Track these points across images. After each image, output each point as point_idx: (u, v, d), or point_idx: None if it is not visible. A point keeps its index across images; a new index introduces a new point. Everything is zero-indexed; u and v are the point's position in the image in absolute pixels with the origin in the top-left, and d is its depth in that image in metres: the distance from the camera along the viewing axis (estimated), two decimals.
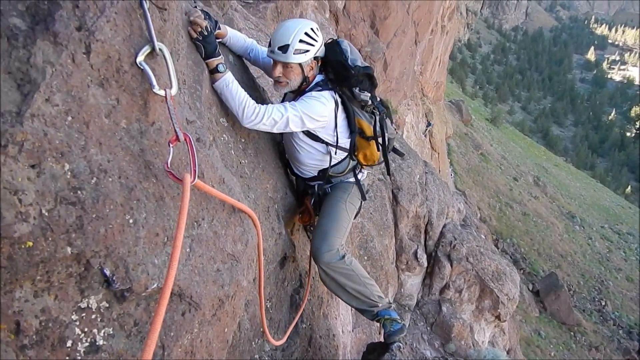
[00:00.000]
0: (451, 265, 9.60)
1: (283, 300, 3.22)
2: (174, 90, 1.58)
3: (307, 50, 2.87)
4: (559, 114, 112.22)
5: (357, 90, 3.14)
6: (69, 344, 1.33)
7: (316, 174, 3.38)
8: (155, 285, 1.47)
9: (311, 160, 3.29)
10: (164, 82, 1.61)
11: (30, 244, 1.20)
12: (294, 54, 2.83)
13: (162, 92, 1.55)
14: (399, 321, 3.35)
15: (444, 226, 10.08)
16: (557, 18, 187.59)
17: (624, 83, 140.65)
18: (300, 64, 2.90)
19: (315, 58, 2.97)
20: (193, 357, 1.68)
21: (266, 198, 3.09)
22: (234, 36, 3.09)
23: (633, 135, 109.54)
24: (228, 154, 2.83)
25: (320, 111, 2.97)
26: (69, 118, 1.29)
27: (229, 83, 2.61)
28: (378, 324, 3.40)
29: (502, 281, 9.83)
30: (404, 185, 8.90)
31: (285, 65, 2.89)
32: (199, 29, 2.36)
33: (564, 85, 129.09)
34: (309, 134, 3.12)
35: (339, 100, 3.10)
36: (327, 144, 3.19)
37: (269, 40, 2.95)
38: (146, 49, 1.54)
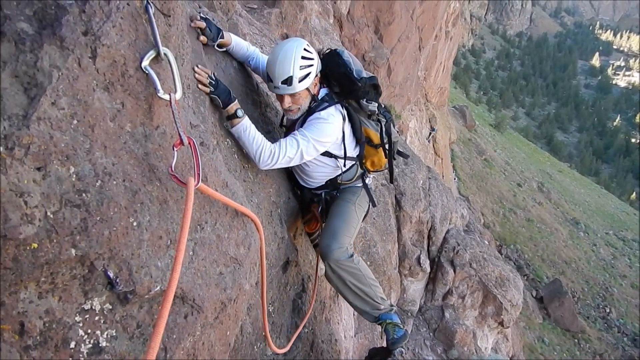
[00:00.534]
0: (454, 271, 9.58)
1: (285, 304, 3.23)
2: (178, 95, 1.60)
3: (309, 73, 2.85)
4: (563, 119, 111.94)
5: (364, 101, 3.15)
6: (72, 345, 1.34)
7: (324, 184, 3.39)
8: (158, 287, 1.48)
9: (319, 173, 3.31)
10: (168, 86, 1.63)
11: (35, 245, 1.21)
12: (299, 82, 2.81)
13: (166, 97, 1.56)
14: (402, 327, 3.35)
15: (447, 232, 10.06)
16: (561, 24, 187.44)
17: (629, 89, 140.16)
18: (307, 87, 2.89)
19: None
20: None
21: (269, 202, 3.10)
22: (237, 44, 3.08)
23: (638, 141, 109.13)
24: (232, 158, 2.84)
25: (330, 133, 2.98)
26: (75, 121, 1.30)
27: (247, 128, 2.63)
28: (380, 328, 3.39)
29: (505, 287, 9.79)
30: (407, 191, 8.89)
31: (293, 94, 2.87)
32: (207, 82, 2.37)
33: (569, 91, 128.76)
34: None
35: (345, 113, 3.10)
36: (335, 157, 3.20)
37: (264, 72, 2.94)
38: (151, 54, 1.56)
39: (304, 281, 3.48)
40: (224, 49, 3.00)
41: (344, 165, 3.28)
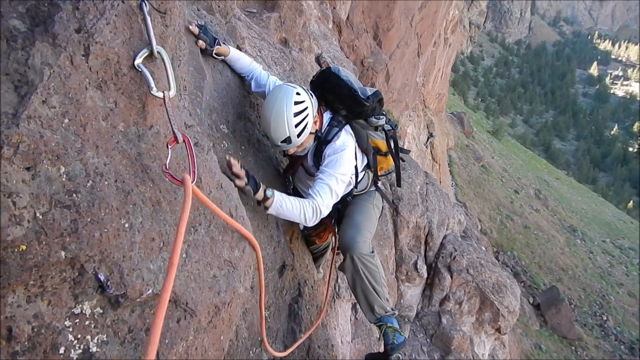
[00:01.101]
0: (451, 277, 9.55)
1: (281, 309, 3.19)
2: (172, 92, 1.57)
3: (307, 123, 2.78)
4: (561, 127, 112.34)
5: (372, 118, 3.15)
6: (61, 350, 1.30)
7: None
8: (150, 291, 1.45)
9: None
10: (163, 85, 1.60)
11: (24, 247, 1.18)
12: (297, 137, 2.76)
13: (160, 94, 1.53)
14: (401, 333, 3.32)
15: (445, 237, 10.04)
16: (560, 33, 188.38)
17: (626, 98, 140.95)
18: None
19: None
20: None
21: None
22: (235, 59, 3.05)
23: (635, 150, 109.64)
24: None
25: (350, 160, 2.97)
26: (66, 120, 1.27)
27: (282, 202, 2.63)
28: (378, 332, 3.36)
29: (502, 294, 9.76)
30: (404, 196, 8.87)
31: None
32: (243, 175, 2.38)
33: (567, 100, 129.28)
34: None
35: (352, 132, 3.07)
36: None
37: (263, 126, 2.88)
38: (144, 52, 1.54)
39: (300, 285, 3.44)
40: (222, 58, 2.99)
41: (356, 179, 3.27)
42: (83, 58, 1.32)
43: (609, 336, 27.56)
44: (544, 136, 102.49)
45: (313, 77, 3.20)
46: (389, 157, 3.39)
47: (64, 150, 1.25)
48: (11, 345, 1.21)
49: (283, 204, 2.63)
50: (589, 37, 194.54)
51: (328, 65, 7.98)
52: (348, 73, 3.13)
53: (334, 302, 5.07)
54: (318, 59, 8.01)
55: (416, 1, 17.61)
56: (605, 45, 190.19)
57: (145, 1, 1.54)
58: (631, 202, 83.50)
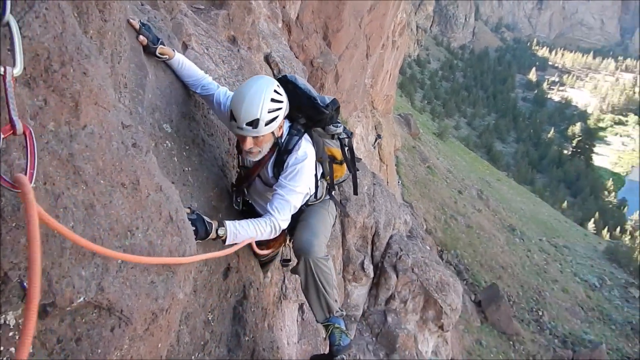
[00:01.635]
0: (397, 276, 9.73)
1: (226, 312, 3.14)
2: (16, 71, 1.24)
3: (277, 117, 2.74)
4: (502, 130, 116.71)
5: (331, 126, 3.16)
6: None
7: None
8: (82, 299, 1.38)
9: None
10: (8, 61, 1.25)
11: None
12: (265, 125, 2.69)
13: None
14: (348, 335, 3.34)
15: (391, 237, 10.22)
16: (502, 39, 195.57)
17: (562, 103, 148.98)
18: (272, 131, 2.80)
19: None
20: None
21: (210, 207, 3.01)
22: (180, 63, 3.00)
23: (570, 153, 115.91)
24: (170, 161, 2.74)
25: (310, 170, 2.97)
26: None
27: (236, 233, 2.66)
28: (325, 333, 3.36)
29: (445, 292, 10.05)
30: (351, 197, 8.95)
31: (257, 136, 2.76)
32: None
33: (507, 103, 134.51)
34: None
35: (311, 141, 3.06)
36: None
37: (228, 112, 2.77)
38: None
39: (245, 288, 3.40)
40: (165, 58, 2.91)
41: (316, 189, 3.27)
42: (9, 53, 1.23)
43: (544, 330, 28.88)
44: (486, 138, 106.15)
45: None
46: (344, 165, 3.42)
47: None
48: None
49: (239, 234, 2.66)
50: (528, 44, 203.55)
51: (277, 65, 7.94)
52: (304, 81, 3.13)
53: (280, 303, 5.05)
54: (267, 58, 7.96)
55: (365, 2, 17.81)
56: (543, 51, 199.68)
57: None
58: (565, 202, 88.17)
